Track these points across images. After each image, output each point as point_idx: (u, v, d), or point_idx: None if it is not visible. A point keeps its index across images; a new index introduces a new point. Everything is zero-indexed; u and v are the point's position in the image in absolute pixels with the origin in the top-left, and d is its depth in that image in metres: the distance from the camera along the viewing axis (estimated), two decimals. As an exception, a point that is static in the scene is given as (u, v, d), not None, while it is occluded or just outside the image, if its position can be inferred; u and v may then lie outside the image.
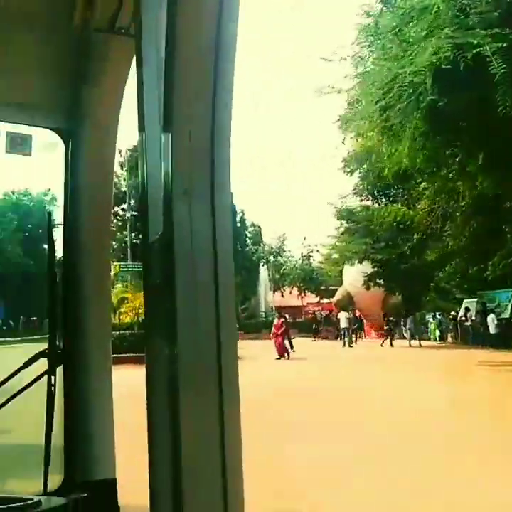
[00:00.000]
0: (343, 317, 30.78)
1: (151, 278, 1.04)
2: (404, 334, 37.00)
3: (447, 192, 15.56)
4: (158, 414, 0.98)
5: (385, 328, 30.33)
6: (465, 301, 30.83)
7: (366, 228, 26.92)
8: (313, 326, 34.02)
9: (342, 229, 38.77)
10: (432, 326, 33.38)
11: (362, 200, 25.52)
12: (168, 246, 0.95)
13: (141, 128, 1.07)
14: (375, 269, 28.93)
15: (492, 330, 24.72)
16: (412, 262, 26.83)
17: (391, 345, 28.73)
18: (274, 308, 37.25)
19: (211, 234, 0.98)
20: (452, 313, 34.85)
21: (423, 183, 16.20)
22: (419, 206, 16.53)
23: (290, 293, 38.26)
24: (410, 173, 15.30)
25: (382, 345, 28.84)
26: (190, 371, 0.90)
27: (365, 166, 25.85)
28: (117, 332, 19.76)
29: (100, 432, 1.56)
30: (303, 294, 39.37)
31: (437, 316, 35.53)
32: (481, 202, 14.95)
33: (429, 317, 38.53)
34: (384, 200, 17.84)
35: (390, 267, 28.11)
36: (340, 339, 34.46)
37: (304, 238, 40.81)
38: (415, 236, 18.32)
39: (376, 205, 22.13)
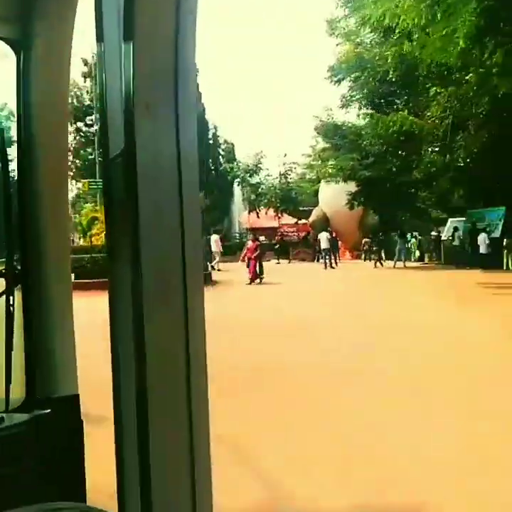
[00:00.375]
0: (324, 238, 29.43)
1: (113, 195, 0.98)
2: (381, 255, 36.42)
3: (461, 97, 13.97)
4: (122, 342, 0.93)
5: (374, 248, 29.16)
6: (450, 220, 29.75)
7: (354, 143, 25.34)
8: (276, 247, 32.15)
9: (325, 145, 37.13)
10: (411, 247, 32.35)
11: (360, 109, 23.71)
12: (130, 162, 0.89)
13: (100, 38, 1.00)
14: (360, 187, 27.51)
15: (482, 250, 23.73)
16: (400, 180, 25.51)
17: (376, 266, 27.66)
18: (248, 230, 35.84)
19: (175, 150, 0.90)
20: (433, 233, 34.03)
21: (434, 88, 14.55)
22: (428, 114, 14.92)
23: (266, 214, 36.64)
24: (422, 75, 13.65)
25: (378, 266, 27.65)
26: (154, 294, 0.82)
27: (357, 73, 24.01)
28: (88, 255, 18.11)
29: (61, 348, 1.50)
30: (279, 215, 37.85)
31: (418, 236, 34.75)
32: (499, 109, 13.54)
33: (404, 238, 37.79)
34: (386, 109, 16.16)
35: (376, 185, 26.74)
36: (318, 261, 33.52)
37: (285, 155, 38.79)
38: (423, 147, 16.73)
39: (377, 114, 20.18)
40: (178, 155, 0.92)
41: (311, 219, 39.06)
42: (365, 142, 24.72)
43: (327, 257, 28.91)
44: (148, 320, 0.83)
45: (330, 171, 25.95)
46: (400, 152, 24.72)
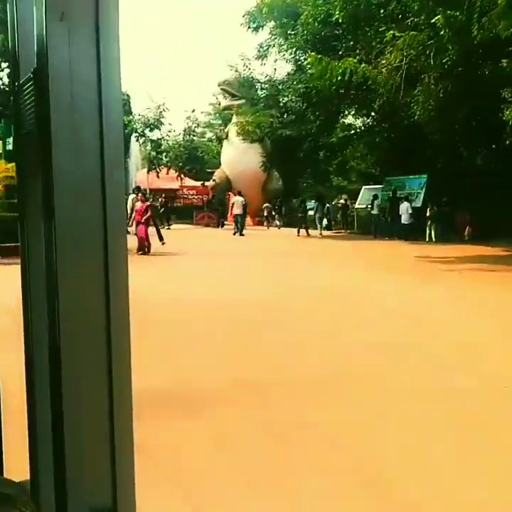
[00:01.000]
0: (238, 202, 27.14)
1: (23, 126, 0.88)
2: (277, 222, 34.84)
3: (422, 43, 12.04)
4: (35, 308, 0.90)
5: (299, 215, 27.13)
6: (364, 187, 28.43)
7: (274, 98, 23.09)
8: (161, 210, 27.78)
9: (231, 102, 34.54)
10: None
11: (294, 56, 21.30)
12: (43, 86, 0.78)
13: None
14: (271, 148, 25.36)
15: (404, 220, 22.42)
16: (322, 141, 23.69)
17: (299, 233, 25.71)
18: (148, 191, 32.65)
19: (95, 72, 0.78)
20: (341, 201, 32.81)
21: (390, 32, 12.50)
22: (383, 62, 12.91)
23: (167, 174, 33.68)
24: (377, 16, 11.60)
25: (302, 235, 25.63)
26: (68, 241, 0.74)
27: (276, 21, 21.69)
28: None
29: None
30: (182, 176, 34.94)
31: (327, 204, 33.33)
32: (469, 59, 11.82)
33: (310, 204, 36.50)
34: (327, 55, 14.07)
35: (289, 147, 24.77)
36: (222, 226, 31.29)
37: (193, 110, 35.71)
38: (378, 102, 14.70)
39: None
40: (99, 78, 0.78)
41: (212, 182, 36.64)
42: (286, 98, 22.57)
43: (239, 222, 26.69)
44: (63, 282, 0.72)
45: (249, 128, 23.36)
46: (319, 110, 22.72)
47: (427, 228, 21.85)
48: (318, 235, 25.01)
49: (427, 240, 21.67)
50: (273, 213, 34.03)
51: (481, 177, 22.86)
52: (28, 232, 0.94)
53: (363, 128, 27.85)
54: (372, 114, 24.17)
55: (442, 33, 11.60)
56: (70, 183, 0.77)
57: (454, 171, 25.19)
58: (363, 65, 13.07)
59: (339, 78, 13.49)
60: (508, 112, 11.43)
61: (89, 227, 0.78)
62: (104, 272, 0.77)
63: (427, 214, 21.98)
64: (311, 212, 34.60)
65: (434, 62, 12.04)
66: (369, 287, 10.75)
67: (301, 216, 26.91)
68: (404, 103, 13.97)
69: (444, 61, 11.97)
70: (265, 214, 33.35)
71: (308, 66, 15.29)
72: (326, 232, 26.94)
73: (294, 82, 21.58)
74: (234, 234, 26.21)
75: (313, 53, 14.31)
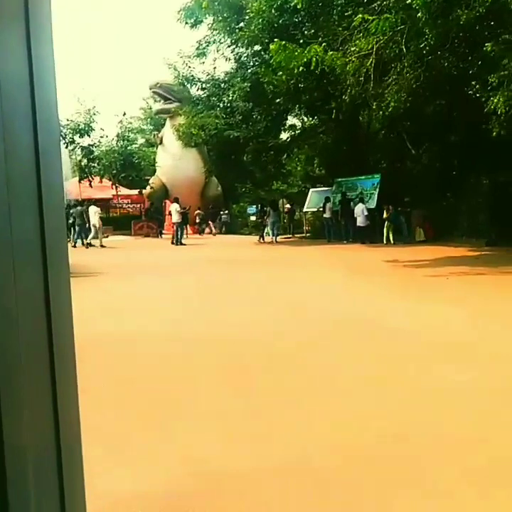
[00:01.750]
0: (174, 210, 25.35)
1: None
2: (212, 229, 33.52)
3: (395, 27, 10.83)
4: None
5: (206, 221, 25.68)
6: (312, 190, 27.29)
7: (216, 98, 21.57)
8: (72, 223, 23.92)
9: (164, 106, 32.79)
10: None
11: (238, 52, 19.85)
12: None
13: None
14: (219, 151, 23.81)
15: (360, 222, 21.41)
16: (268, 143, 22.35)
17: (260, 241, 24.20)
18: (81, 201, 30.32)
19: (27, 70, 0.72)
20: (287, 205, 31.68)
21: (359, 16, 11.21)
22: (352, 49, 11.60)
23: (101, 182, 31.40)
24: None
25: (261, 241, 24.09)
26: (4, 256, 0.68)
27: (216, 15, 20.32)
28: None
29: None
30: (116, 185, 32.68)
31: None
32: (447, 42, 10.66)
33: (251, 210, 35.30)
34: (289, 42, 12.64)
35: (236, 148, 23.29)
36: (160, 236, 29.48)
37: (124, 114, 33.41)
38: (346, 95, 13.31)
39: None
40: (31, 79, 0.71)
41: (147, 190, 34.75)
42: (230, 97, 21.07)
43: (179, 231, 24.93)
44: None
45: (192, 131, 21.58)
46: (267, 110, 21.46)
47: (385, 230, 20.91)
48: (272, 241, 23.66)
49: (385, 242, 20.76)
50: (206, 220, 32.73)
51: (431, 176, 22.37)
52: None
53: (306, 129, 26.85)
54: (320, 113, 23.11)
55: (419, 15, 10.49)
56: (3, 193, 0.68)
57: (404, 171, 24.60)
58: (330, 53, 11.76)
59: (301, 69, 12.20)
60: (495, 100, 10.43)
61: (26, 239, 0.70)
62: (43, 291, 0.69)
63: (384, 215, 21.07)
64: (253, 218, 33.59)
65: (409, 48, 10.95)
66: (369, 309, 9.42)
67: (260, 221, 25.41)
68: (374, 94, 12.81)
69: (421, 46, 10.88)
70: (197, 221, 31.93)
71: (260, 59, 13.96)
72: (269, 242, 25.71)
73: (239, 80, 20.18)
74: (172, 243, 24.46)
75: (276, 40, 12.87)
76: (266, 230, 24.54)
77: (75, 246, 23.45)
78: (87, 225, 24.00)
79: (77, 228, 23.91)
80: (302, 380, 5.27)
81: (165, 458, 3.66)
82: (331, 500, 3.13)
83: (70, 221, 23.65)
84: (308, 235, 26.47)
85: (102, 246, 23.82)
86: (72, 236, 23.83)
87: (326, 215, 23.38)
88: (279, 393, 4.92)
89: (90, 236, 23.92)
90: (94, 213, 24.24)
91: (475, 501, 3.05)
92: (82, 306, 9.55)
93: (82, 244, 23.67)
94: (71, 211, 24.25)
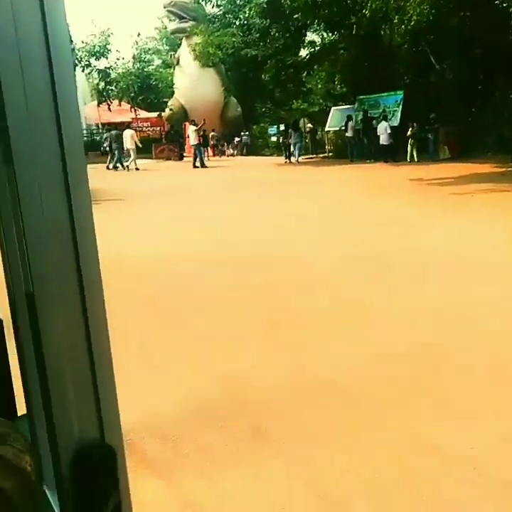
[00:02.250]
0: (191, 132, 25.13)
1: None
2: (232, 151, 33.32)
3: None
4: (10, 254, 0.94)
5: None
6: (333, 108, 26.77)
7: (232, 14, 20.94)
8: (108, 147, 24.84)
9: (179, 25, 31.84)
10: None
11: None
12: None
13: None
14: (238, 70, 23.35)
15: (383, 140, 21.10)
16: (287, 61, 21.83)
17: (288, 161, 24.12)
18: (101, 126, 30.28)
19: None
20: (309, 125, 31.16)
21: None
22: None
23: (119, 105, 31.07)
24: None
25: (287, 162, 24.06)
26: (29, 182, 0.69)
27: None
28: None
29: None
30: (135, 107, 32.33)
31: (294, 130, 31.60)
32: None
33: (271, 130, 34.76)
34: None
35: (255, 67, 22.81)
36: (181, 159, 29.33)
37: (138, 34, 32.79)
38: (366, 9, 12.85)
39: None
40: (42, 9, 0.68)
41: (166, 112, 34.31)
42: (247, 14, 20.46)
43: (198, 153, 24.82)
44: (28, 225, 0.69)
45: (209, 50, 21.09)
46: (285, 27, 20.82)
47: (409, 147, 20.61)
48: (295, 162, 23.58)
49: (409, 160, 20.50)
50: (223, 142, 32.50)
51: (456, 91, 21.77)
52: None
53: (326, 45, 26.05)
54: (340, 28, 22.35)
55: None
56: (23, 120, 0.68)
57: (428, 86, 23.94)
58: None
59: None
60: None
61: (48, 164, 0.70)
62: (68, 212, 0.71)
63: (408, 133, 20.69)
64: (273, 139, 33.19)
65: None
66: (399, 222, 9.55)
67: (284, 142, 25.36)
68: (396, 7, 12.35)
69: None
70: (212, 143, 31.64)
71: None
72: (292, 162, 25.55)
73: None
74: (194, 166, 24.39)
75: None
76: (291, 150, 24.43)
77: (114, 168, 23.95)
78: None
79: (115, 152, 24.20)
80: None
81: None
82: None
83: (105, 145, 23.86)
84: (330, 154, 26.19)
85: (136, 169, 24.07)
86: (108, 160, 24.04)
87: (348, 133, 23.03)
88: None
89: (130, 159, 24.24)
90: (130, 137, 24.28)
91: None
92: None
93: (123, 167, 23.85)
94: (105, 135, 24.48)
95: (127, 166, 23.93)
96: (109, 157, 24.24)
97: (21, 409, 1.22)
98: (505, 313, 4.78)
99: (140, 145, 24.15)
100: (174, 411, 3.51)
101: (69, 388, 0.73)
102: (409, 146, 20.61)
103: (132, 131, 24.90)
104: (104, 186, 15.74)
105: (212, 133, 31.58)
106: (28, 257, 0.71)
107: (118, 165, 23.94)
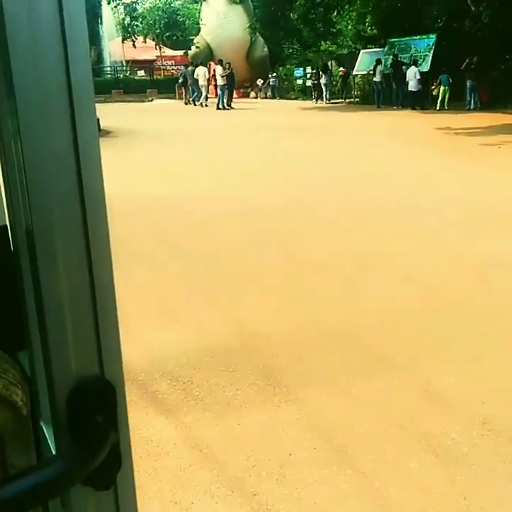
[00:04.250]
0: (218, 73, 24.66)
1: None
2: (268, 93, 32.62)
3: None
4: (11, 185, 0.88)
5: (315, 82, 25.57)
6: (362, 52, 26.02)
7: None
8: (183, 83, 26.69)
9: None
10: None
11: None
12: None
13: None
14: (266, 7, 22.63)
15: (412, 86, 20.51)
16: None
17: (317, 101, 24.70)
18: (124, 62, 29.76)
19: None
20: (341, 69, 30.32)
21: None
22: None
23: (144, 42, 30.47)
24: None
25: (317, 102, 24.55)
26: (32, 114, 0.67)
27: None
28: None
29: None
30: (160, 45, 31.70)
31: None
32: None
33: (297, 72, 33.86)
34: None
35: (283, 4, 22.10)
36: (205, 100, 28.83)
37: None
38: None
39: None
40: None
41: (192, 51, 33.56)
42: None
43: (224, 95, 24.44)
44: (29, 158, 0.67)
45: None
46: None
47: (441, 94, 20.00)
48: (324, 103, 23.51)
49: (439, 107, 19.94)
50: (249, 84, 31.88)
51: (492, 36, 20.97)
52: None
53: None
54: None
55: None
56: (28, 56, 0.65)
57: (462, 30, 23.09)
58: None
59: None
60: None
61: (53, 96, 0.67)
62: (73, 145, 0.68)
63: (440, 79, 20.05)
64: (299, 82, 32.44)
65: None
66: (421, 172, 9.39)
67: (315, 84, 25.98)
68: None
69: None
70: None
71: None
72: (323, 103, 25.10)
73: None
74: (218, 108, 24.01)
75: None
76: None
77: (188, 103, 25.50)
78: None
79: (189, 88, 25.93)
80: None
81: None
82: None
83: (180, 81, 26.36)
84: (356, 100, 25.60)
85: (205, 105, 24.77)
86: (184, 95, 26.17)
87: (376, 78, 22.39)
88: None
89: (203, 96, 25.24)
90: (203, 74, 25.08)
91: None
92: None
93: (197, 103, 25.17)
94: (182, 72, 26.36)
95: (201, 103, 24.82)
96: (183, 93, 26.06)
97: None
98: None
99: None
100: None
101: (67, 321, 0.72)
102: (440, 93, 20.00)
103: (204, 68, 25.64)
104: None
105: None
106: (27, 190, 0.69)
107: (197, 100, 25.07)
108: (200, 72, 24.63)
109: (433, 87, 20.35)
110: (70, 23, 0.66)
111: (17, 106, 0.67)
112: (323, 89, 23.98)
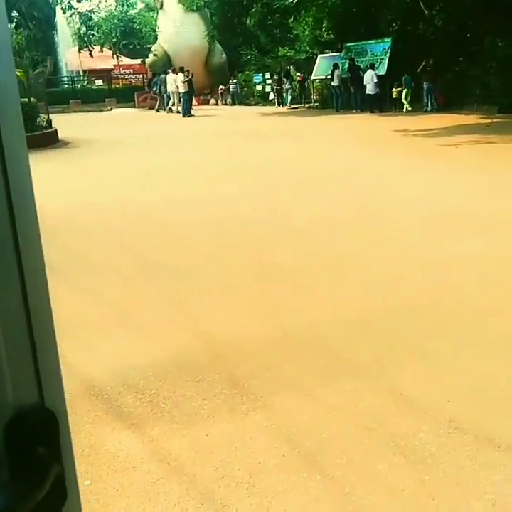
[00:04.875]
0: (180, 80, 24.66)
1: None
2: (228, 99, 32.67)
3: None
4: None
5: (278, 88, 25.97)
6: (320, 56, 26.25)
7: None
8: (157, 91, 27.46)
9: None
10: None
11: None
12: None
13: None
14: (223, 14, 22.65)
15: (370, 90, 20.78)
16: (273, 5, 21.25)
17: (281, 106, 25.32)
18: (81, 72, 29.39)
19: None
20: (298, 74, 30.54)
21: None
22: None
23: (101, 52, 30.21)
24: None
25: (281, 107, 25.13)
26: None
27: None
28: None
29: None
30: (117, 54, 31.46)
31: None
32: None
33: (257, 78, 33.99)
34: None
35: (241, 11, 22.18)
36: (162, 109, 28.77)
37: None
38: None
39: None
40: None
41: (150, 59, 33.40)
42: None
43: (187, 102, 24.44)
44: None
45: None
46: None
47: (404, 97, 20.35)
48: (284, 109, 23.80)
49: (405, 110, 20.21)
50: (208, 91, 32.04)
51: (445, 39, 21.40)
52: None
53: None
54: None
55: None
56: None
57: (417, 34, 23.51)
58: None
59: None
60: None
61: None
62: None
63: (403, 81, 20.39)
64: (258, 88, 32.58)
65: None
66: (379, 171, 9.49)
67: (278, 90, 26.88)
68: None
69: None
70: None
71: None
72: (283, 108, 25.33)
73: None
74: (183, 116, 24.00)
75: None
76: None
77: (160, 110, 26.05)
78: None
79: (164, 96, 26.33)
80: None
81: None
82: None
83: (155, 89, 26.73)
84: (316, 104, 25.80)
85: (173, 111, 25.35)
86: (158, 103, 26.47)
87: (334, 82, 22.60)
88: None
89: (170, 103, 25.80)
90: (172, 81, 25.38)
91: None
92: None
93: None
94: (155, 80, 26.84)
95: (169, 109, 25.47)
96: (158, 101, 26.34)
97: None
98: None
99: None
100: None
101: (1, 346, 0.67)
102: (404, 94, 20.34)
103: (175, 75, 25.77)
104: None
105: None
106: None
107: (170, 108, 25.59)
108: (170, 79, 24.84)
109: (394, 90, 20.67)
110: None
111: None
112: (284, 94, 24.19)
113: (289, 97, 25.52)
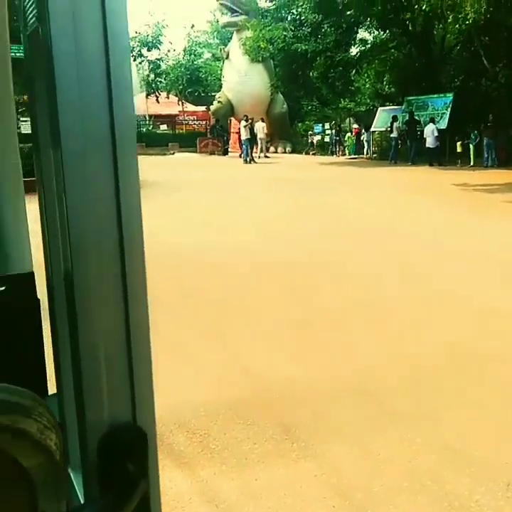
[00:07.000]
0: (242, 127, 25.32)
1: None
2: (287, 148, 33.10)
3: None
4: (51, 238, 0.95)
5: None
6: (381, 109, 26.46)
7: (285, 8, 20.85)
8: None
9: (230, 19, 31.85)
10: (348, 141, 29.03)
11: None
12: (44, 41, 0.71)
13: None
14: (286, 66, 23.19)
15: (430, 143, 20.77)
16: (336, 58, 21.67)
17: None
18: (147, 117, 30.46)
19: (100, 18, 0.69)
20: (354, 126, 30.90)
21: None
22: None
23: (167, 98, 31.32)
24: None
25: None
26: (76, 168, 0.69)
27: None
28: None
29: (14, 225, 1.27)
30: (183, 100, 32.57)
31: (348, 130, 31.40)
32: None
33: (317, 128, 34.44)
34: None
35: (304, 64, 22.68)
36: (225, 154, 29.43)
37: (192, 26, 32.92)
38: (423, 2, 12.68)
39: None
40: (105, 28, 0.68)
41: (214, 107, 34.37)
42: (299, 9, 20.40)
43: (249, 148, 25.04)
44: (72, 212, 0.69)
45: (260, 44, 21.11)
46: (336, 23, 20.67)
47: (471, 151, 20.23)
48: (342, 159, 24.16)
49: (472, 164, 20.01)
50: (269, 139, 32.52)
51: (509, 95, 21.27)
52: (41, 163, 0.93)
53: (377, 43, 25.74)
54: (393, 26, 22.10)
55: None
56: (76, 108, 0.68)
57: (479, 89, 23.48)
58: None
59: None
60: None
61: (97, 152, 0.69)
62: (115, 197, 0.70)
63: (472, 136, 20.33)
64: (318, 137, 33.02)
65: None
66: (439, 227, 9.41)
67: (337, 140, 27.92)
68: (451, 4, 12.13)
69: None
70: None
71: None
72: (341, 158, 25.52)
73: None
74: (244, 162, 24.52)
75: None
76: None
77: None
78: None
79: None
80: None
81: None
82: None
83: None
84: (374, 155, 25.93)
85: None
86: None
87: (393, 134, 22.72)
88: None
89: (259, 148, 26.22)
90: (262, 128, 26.22)
91: None
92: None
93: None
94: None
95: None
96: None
97: (52, 389, 1.18)
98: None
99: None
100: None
101: (102, 368, 0.72)
102: (471, 151, 20.24)
103: (263, 124, 26.68)
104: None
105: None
106: (69, 236, 0.70)
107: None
108: (260, 127, 25.41)
109: (459, 144, 20.61)
110: (116, 83, 0.69)
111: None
112: (365, 145, 24.70)
113: (369, 148, 25.95)
